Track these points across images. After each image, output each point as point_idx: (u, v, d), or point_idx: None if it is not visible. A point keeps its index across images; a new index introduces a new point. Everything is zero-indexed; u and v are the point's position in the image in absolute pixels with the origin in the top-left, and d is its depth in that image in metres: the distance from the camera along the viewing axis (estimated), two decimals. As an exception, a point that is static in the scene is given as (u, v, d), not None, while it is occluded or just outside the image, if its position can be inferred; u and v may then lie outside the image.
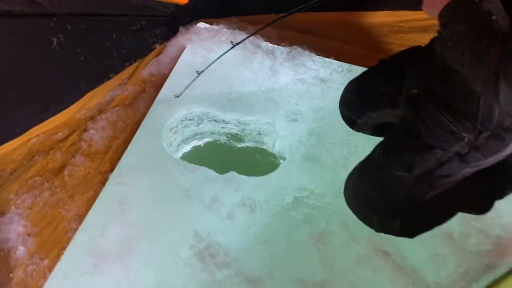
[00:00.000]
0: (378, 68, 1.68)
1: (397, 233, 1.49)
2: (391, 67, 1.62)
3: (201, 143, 2.09)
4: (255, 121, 1.97)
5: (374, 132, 1.71)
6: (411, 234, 1.49)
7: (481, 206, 1.49)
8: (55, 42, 1.55)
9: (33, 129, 1.75)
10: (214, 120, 2.02)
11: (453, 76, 1.20)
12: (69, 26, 1.59)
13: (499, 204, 1.44)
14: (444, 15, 1.11)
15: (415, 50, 1.52)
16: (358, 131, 1.80)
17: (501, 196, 1.49)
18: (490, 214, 1.46)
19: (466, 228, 1.62)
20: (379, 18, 2.24)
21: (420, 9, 1.29)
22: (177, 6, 2.06)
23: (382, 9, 2.24)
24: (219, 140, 2.12)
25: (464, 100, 1.19)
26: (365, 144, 1.70)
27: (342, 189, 1.56)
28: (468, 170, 1.31)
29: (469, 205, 1.49)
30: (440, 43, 1.24)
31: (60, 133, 1.82)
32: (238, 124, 2.00)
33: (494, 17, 1.00)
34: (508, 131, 1.17)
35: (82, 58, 1.72)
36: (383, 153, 1.43)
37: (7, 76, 1.49)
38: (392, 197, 1.42)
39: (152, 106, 1.93)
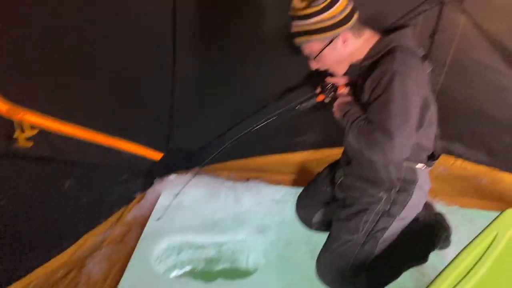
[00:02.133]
0: (318, 176, 2.25)
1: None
2: (326, 171, 2.20)
3: (181, 271, 2.34)
4: (229, 240, 2.33)
5: (328, 228, 2.05)
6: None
7: (420, 257, 1.91)
8: (67, 185, 1.95)
9: (34, 272, 1.97)
10: (193, 247, 2.34)
11: (355, 160, 1.81)
12: (77, 173, 2.02)
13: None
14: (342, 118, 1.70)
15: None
16: (316, 229, 2.24)
17: (433, 247, 1.94)
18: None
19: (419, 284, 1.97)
20: (309, 155, 2.91)
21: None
22: (153, 161, 2.58)
23: (310, 149, 2.95)
24: (196, 268, 2.38)
25: (369, 170, 1.76)
26: (324, 240, 2.09)
27: (315, 276, 1.89)
28: (398, 223, 1.80)
29: (411, 257, 1.89)
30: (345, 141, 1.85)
31: (61, 271, 2.04)
32: (214, 246, 2.34)
33: None
34: (407, 182, 1.73)
35: (83, 201, 2.10)
36: (334, 227, 1.89)
37: (10, 222, 1.78)
38: (351, 259, 1.81)
39: (139, 240, 2.25)
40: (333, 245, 1.86)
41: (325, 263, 1.88)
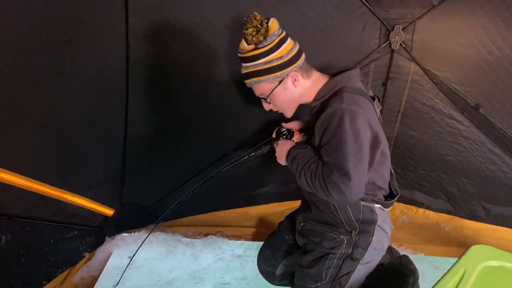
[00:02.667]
0: (279, 226, 2.16)
1: None
2: (287, 220, 2.12)
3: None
4: (187, 300, 2.15)
5: (292, 280, 1.92)
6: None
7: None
8: (3, 240, 1.76)
9: None
10: (147, 310, 2.13)
11: (313, 204, 1.75)
12: (16, 228, 1.83)
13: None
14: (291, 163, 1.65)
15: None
16: (279, 282, 2.11)
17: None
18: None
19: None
20: (271, 208, 2.84)
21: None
22: (105, 217, 2.41)
23: (273, 202, 2.89)
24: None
25: (328, 213, 1.70)
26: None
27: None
28: (363, 267, 1.71)
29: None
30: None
31: None
32: (170, 308, 2.14)
33: None
34: (367, 223, 1.67)
35: (22, 260, 1.89)
36: (298, 276, 1.78)
37: None
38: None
39: (86, 304, 2.03)
40: (299, 295, 1.73)
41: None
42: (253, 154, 1.93)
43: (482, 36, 2.05)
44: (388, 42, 2.20)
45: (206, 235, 2.58)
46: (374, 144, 1.49)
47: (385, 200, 1.72)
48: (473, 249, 1.55)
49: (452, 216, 2.71)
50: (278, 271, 2.08)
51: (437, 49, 2.18)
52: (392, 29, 2.16)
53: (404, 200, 2.82)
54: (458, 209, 2.68)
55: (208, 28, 2.01)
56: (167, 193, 2.62)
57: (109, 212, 2.42)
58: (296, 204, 2.72)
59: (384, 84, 2.35)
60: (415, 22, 2.12)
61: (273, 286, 2.14)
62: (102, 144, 2.15)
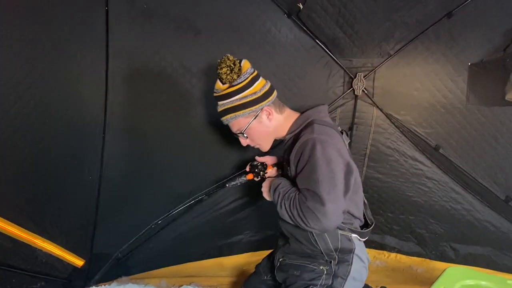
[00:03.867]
0: (257, 268, 2.15)
1: None
2: (265, 260, 2.13)
3: None
4: None
5: None
6: None
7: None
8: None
9: None
10: None
11: (292, 237, 1.79)
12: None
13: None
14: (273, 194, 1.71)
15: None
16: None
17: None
18: None
19: None
20: (246, 257, 2.82)
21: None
22: (74, 268, 2.31)
23: (247, 252, 2.87)
24: None
25: (308, 244, 1.74)
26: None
27: None
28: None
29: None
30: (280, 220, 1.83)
31: None
32: None
33: None
34: (345, 252, 1.71)
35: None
36: (281, 312, 1.76)
37: None
38: None
39: None
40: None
41: None
42: (227, 185, 1.99)
43: (436, 81, 2.28)
44: (351, 88, 2.39)
45: (180, 286, 2.50)
46: (347, 171, 1.55)
47: (361, 230, 1.78)
48: (449, 270, 1.61)
49: (423, 259, 2.78)
50: (259, 312, 2.03)
51: (397, 94, 2.39)
52: (355, 77, 2.36)
53: (376, 246, 2.87)
54: (428, 251, 2.76)
55: (186, 74, 2.14)
56: (138, 243, 2.56)
57: (79, 262, 2.32)
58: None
59: (350, 129, 2.51)
60: (375, 70, 2.35)
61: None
62: (76, 187, 2.14)
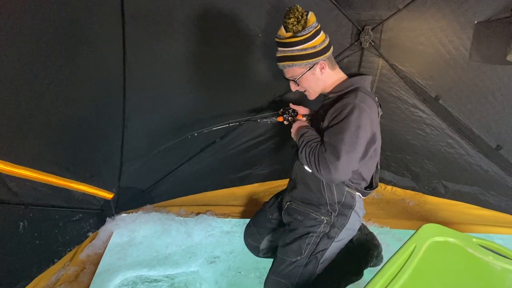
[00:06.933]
0: (264, 206, 2.43)
1: None
2: (272, 200, 2.40)
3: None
4: (182, 272, 2.43)
5: (274, 253, 2.19)
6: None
7: (355, 273, 2.12)
8: (21, 226, 2.00)
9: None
10: (147, 281, 2.42)
11: (303, 183, 2.02)
12: (31, 214, 2.07)
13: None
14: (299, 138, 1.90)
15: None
16: (263, 256, 2.41)
17: (367, 264, 2.17)
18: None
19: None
20: (255, 187, 3.12)
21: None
22: (105, 200, 2.67)
23: (257, 182, 3.17)
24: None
25: (315, 191, 1.98)
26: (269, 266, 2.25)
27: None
28: (336, 244, 2.01)
29: (348, 274, 2.10)
30: (295, 161, 2.06)
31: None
32: (167, 279, 2.43)
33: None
34: (346, 207, 1.96)
35: (37, 242, 2.14)
36: (280, 250, 2.07)
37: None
38: (296, 278, 1.98)
39: (94, 277, 2.30)
40: (279, 267, 2.02)
41: (272, 285, 2.04)
42: (259, 120, 2.18)
43: (441, 37, 2.31)
44: (358, 41, 2.44)
45: (197, 213, 2.86)
46: (371, 141, 1.75)
47: (365, 189, 2.01)
48: (424, 227, 1.82)
49: (416, 193, 3.06)
50: (262, 246, 2.38)
51: (402, 47, 2.44)
52: (362, 30, 2.40)
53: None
54: (421, 186, 3.02)
55: (199, 31, 2.22)
56: (160, 177, 2.88)
57: (109, 196, 2.67)
58: (279, 184, 3.03)
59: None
60: (383, 23, 2.37)
61: (258, 258, 2.45)
62: (102, 138, 2.38)
